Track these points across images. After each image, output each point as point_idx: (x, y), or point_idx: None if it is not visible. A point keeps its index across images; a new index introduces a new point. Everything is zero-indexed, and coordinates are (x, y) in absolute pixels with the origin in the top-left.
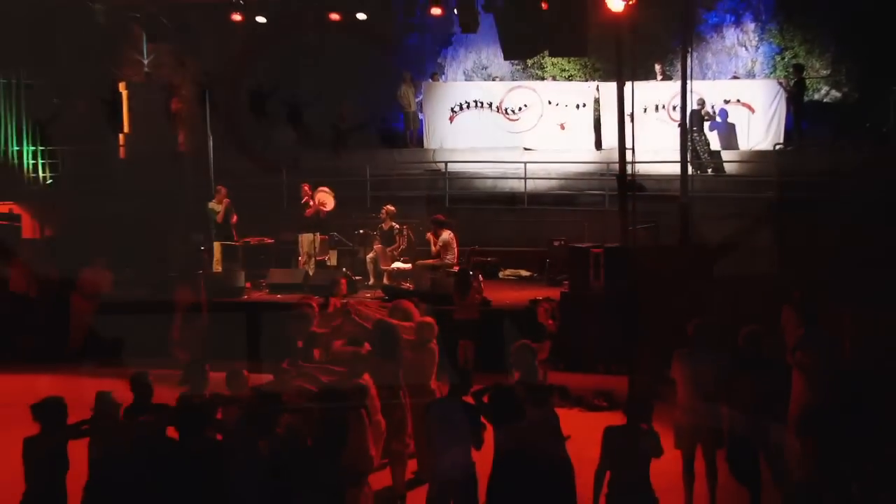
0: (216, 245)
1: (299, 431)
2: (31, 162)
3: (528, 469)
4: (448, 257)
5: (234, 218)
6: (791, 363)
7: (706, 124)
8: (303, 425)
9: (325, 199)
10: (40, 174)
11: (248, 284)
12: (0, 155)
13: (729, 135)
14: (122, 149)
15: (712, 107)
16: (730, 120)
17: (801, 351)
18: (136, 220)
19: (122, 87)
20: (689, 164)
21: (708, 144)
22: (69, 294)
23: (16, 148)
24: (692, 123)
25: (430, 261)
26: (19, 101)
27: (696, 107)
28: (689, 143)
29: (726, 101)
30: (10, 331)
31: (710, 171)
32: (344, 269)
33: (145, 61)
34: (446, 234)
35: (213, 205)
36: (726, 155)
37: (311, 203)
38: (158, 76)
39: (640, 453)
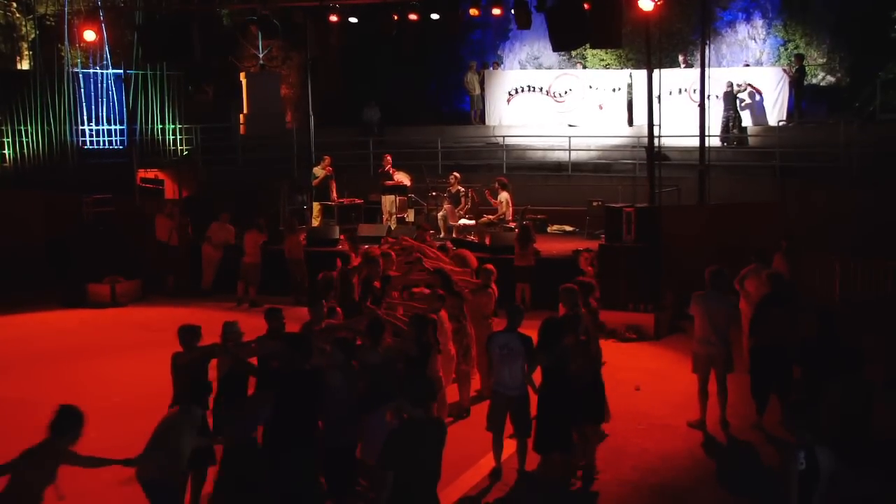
0: (315, 204)
1: (392, 354)
2: (172, 137)
3: (566, 382)
4: (505, 215)
5: (334, 185)
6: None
7: (737, 101)
8: (396, 349)
9: (404, 178)
10: (178, 147)
11: (341, 236)
12: (148, 132)
13: (754, 112)
14: (242, 126)
15: (744, 84)
16: (743, 100)
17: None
18: (252, 184)
19: (242, 76)
20: (708, 137)
21: (740, 121)
22: (201, 243)
23: (160, 126)
24: (725, 103)
25: (491, 217)
26: (162, 88)
27: (726, 89)
28: (723, 120)
29: (738, 86)
30: (156, 272)
31: (735, 143)
32: (419, 224)
33: (261, 55)
34: (504, 195)
35: (316, 170)
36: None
37: (392, 173)
38: (271, 67)
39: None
